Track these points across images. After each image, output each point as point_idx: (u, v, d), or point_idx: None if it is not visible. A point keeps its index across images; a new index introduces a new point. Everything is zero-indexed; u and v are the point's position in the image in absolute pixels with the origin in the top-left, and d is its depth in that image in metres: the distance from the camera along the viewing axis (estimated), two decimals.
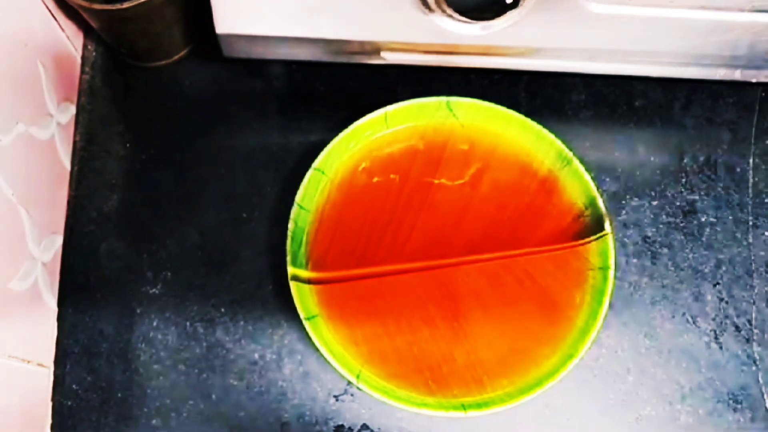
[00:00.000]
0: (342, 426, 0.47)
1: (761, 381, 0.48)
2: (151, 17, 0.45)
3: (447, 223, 0.47)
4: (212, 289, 0.48)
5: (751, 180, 0.51)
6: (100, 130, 0.51)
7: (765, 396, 0.47)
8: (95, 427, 0.46)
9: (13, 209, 0.41)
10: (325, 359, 0.42)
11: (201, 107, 0.51)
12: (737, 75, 0.48)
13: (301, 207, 0.45)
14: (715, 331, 0.48)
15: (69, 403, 0.46)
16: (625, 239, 0.49)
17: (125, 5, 0.42)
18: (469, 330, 0.45)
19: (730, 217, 0.50)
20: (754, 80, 0.48)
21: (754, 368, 0.48)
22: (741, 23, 0.42)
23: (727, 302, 0.49)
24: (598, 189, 0.46)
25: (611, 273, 0.44)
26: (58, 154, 0.48)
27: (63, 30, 0.49)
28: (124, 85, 0.52)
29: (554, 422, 0.47)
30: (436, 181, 0.47)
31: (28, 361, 0.44)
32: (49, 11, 0.46)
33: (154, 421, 0.46)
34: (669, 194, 0.51)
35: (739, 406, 0.47)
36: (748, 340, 0.48)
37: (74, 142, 0.50)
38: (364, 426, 0.47)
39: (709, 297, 0.49)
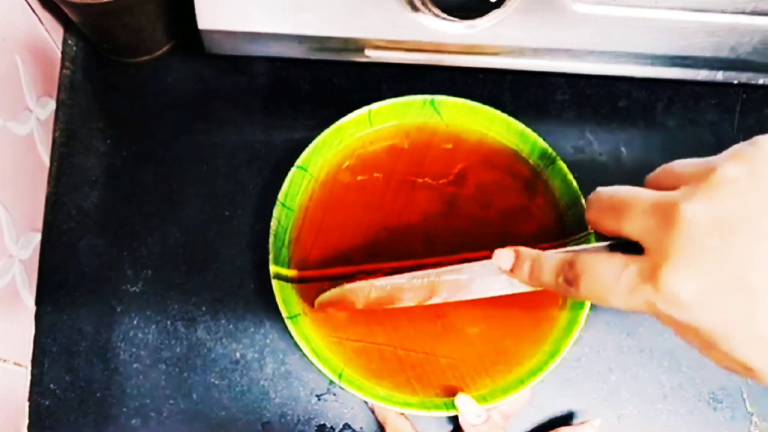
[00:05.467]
0: (324, 425, 0.46)
1: (741, 380, 0.48)
2: (133, 12, 0.44)
3: (431, 222, 0.47)
4: (194, 287, 0.48)
5: None
6: (81, 126, 0.50)
7: (745, 395, 0.48)
8: (74, 427, 0.46)
9: None
10: (307, 358, 0.42)
11: (183, 104, 0.51)
12: (719, 76, 0.48)
13: (284, 205, 0.45)
14: None
15: (47, 402, 0.46)
16: (608, 240, 0.49)
17: None
18: (453, 329, 0.45)
19: None
20: (735, 82, 0.49)
21: None
22: (724, 25, 0.42)
23: None
24: (581, 189, 0.46)
25: None
26: (36, 149, 0.47)
27: (43, 24, 0.48)
28: (105, 80, 0.51)
29: (536, 420, 0.47)
30: (420, 180, 0.47)
31: (5, 360, 0.43)
32: (29, 5, 0.46)
33: (133, 421, 0.46)
34: None
35: (719, 405, 0.48)
36: None
37: (54, 138, 0.50)
38: (346, 425, 0.46)
39: None
